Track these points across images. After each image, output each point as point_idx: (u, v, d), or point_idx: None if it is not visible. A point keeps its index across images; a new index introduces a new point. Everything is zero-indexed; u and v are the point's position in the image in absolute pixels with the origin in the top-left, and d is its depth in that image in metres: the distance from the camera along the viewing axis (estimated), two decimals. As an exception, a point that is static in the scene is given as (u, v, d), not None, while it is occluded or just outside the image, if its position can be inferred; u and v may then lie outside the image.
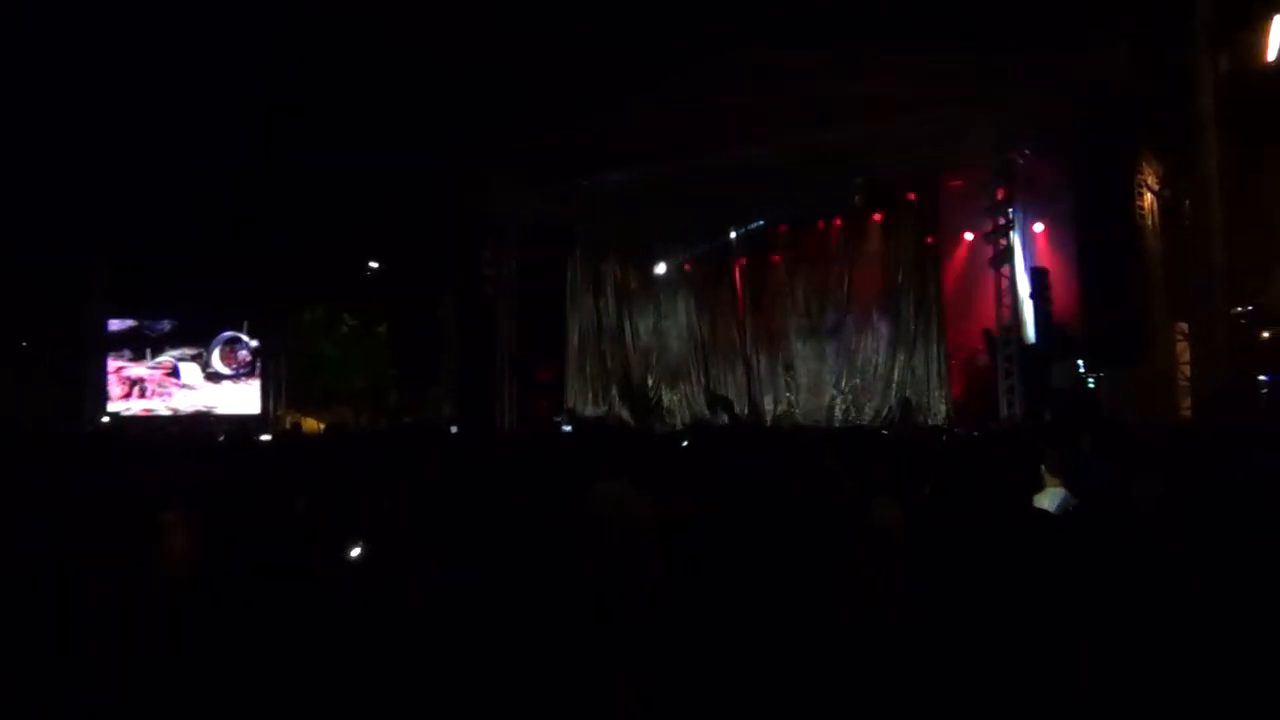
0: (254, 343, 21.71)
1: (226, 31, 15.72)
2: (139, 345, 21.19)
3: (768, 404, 18.69)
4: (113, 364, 20.93)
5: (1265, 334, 15.56)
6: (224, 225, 18.59)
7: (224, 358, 21.62)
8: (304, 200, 18.32)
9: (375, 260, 20.91)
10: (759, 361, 18.92)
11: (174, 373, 21.42)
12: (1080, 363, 13.86)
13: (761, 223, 18.73)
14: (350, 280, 21.26)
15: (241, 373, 21.66)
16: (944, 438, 10.35)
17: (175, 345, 21.53)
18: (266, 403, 20.95)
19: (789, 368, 18.64)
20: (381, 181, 17.53)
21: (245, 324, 21.60)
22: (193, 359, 21.52)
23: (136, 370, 21.08)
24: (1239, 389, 11.81)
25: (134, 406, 20.86)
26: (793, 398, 18.50)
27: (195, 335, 21.50)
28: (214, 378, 21.53)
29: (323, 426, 18.99)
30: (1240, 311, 15.62)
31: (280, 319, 21.54)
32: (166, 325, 21.38)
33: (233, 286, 20.02)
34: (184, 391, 21.37)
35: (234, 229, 18.61)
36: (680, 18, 15.22)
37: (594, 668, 2.93)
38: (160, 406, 21.11)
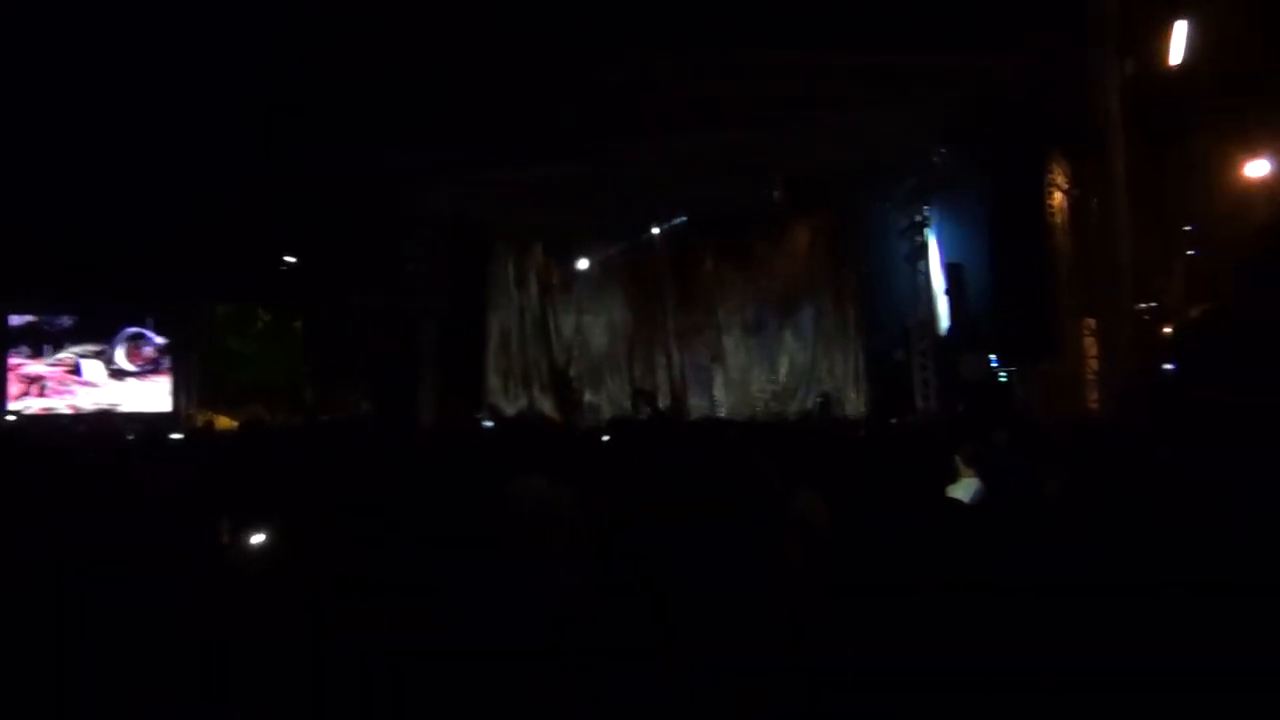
0: (160, 339, 20.94)
1: (141, 21, 15.26)
2: (37, 341, 20.34)
3: (692, 400, 18.79)
4: (10, 361, 20.10)
5: (1168, 330, 16.11)
6: (129, 218, 18.00)
7: (129, 354, 20.80)
8: (214, 193, 17.85)
9: (290, 255, 20.46)
10: (683, 358, 19.00)
11: (75, 370, 20.57)
12: (991, 356, 14.19)
13: (684, 219, 18.80)
14: (264, 275, 20.77)
15: (147, 369, 20.86)
16: (862, 431, 10.52)
17: (76, 341, 20.67)
18: (178, 401, 20.33)
19: (712, 364, 18.76)
20: (295, 175, 17.15)
21: (150, 320, 20.85)
22: (95, 355, 20.65)
23: (35, 368, 20.22)
24: (1144, 384, 12.18)
25: (33, 405, 19.99)
26: (717, 393, 18.62)
27: (98, 331, 20.67)
28: (118, 375, 20.71)
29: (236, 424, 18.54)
30: (1145, 308, 16.16)
31: (191, 315, 20.89)
32: (67, 321, 20.53)
33: (139, 281, 19.35)
34: (87, 389, 20.52)
35: (140, 222, 18.03)
36: (601, 12, 15.19)
37: (514, 665, 2.89)
38: (61, 405, 20.25)
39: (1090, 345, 14.69)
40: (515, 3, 14.96)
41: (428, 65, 15.58)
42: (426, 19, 15.10)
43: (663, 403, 18.69)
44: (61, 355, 20.58)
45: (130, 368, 20.77)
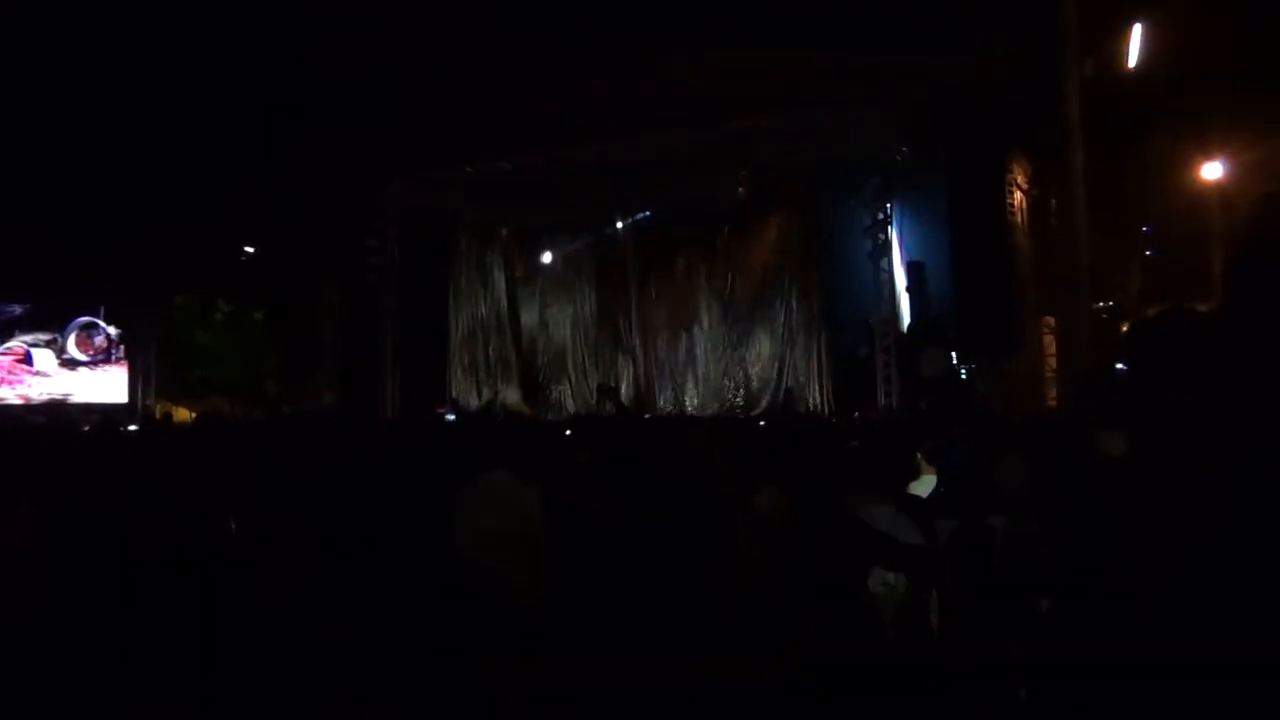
0: (111, 329, 20.41)
1: (108, 14, 15.09)
2: None
3: (656, 395, 18.83)
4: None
5: (1125, 328, 16.34)
6: (87, 205, 17.72)
7: (79, 344, 20.27)
8: (173, 183, 17.63)
9: (250, 245, 20.24)
10: (646, 353, 19.03)
11: (26, 359, 20.08)
12: (952, 353, 14.34)
13: (648, 214, 18.81)
14: (225, 265, 20.51)
15: (99, 359, 20.33)
16: (822, 426, 10.59)
17: (27, 330, 20.11)
18: (134, 392, 20.00)
19: (676, 359, 18.81)
20: (257, 165, 16.99)
21: (101, 309, 20.35)
22: (46, 345, 20.14)
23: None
24: (1100, 381, 12.36)
25: None
26: (680, 388, 18.67)
27: (48, 320, 20.16)
28: (70, 364, 20.22)
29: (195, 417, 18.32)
30: (1102, 307, 16.39)
31: (148, 304, 20.52)
32: (17, 309, 20.01)
33: (96, 270, 19.00)
34: (38, 379, 20.04)
35: (98, 210, 17.76)
36: (569, 10, 15.17)
37: (476, 661, 2.89)
38: (10, 395, 19.82)
39: (1049, 343, 14.89)
40: (476, 3, 14.92)
41: (393, 59, 15.50)
42: (395, 14, 15.03)
43: (626, 397, 18.72)
44: (11, 344, 20.10)
45: (82, 357, 20.29)
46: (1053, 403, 14.15)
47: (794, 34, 14.60)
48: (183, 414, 18.94)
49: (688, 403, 18.33)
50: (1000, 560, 3.35)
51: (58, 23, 15.23)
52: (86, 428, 10.03)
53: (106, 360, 20.34)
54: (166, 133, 17.04)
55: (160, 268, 19.15)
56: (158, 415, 17.65)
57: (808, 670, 2.34)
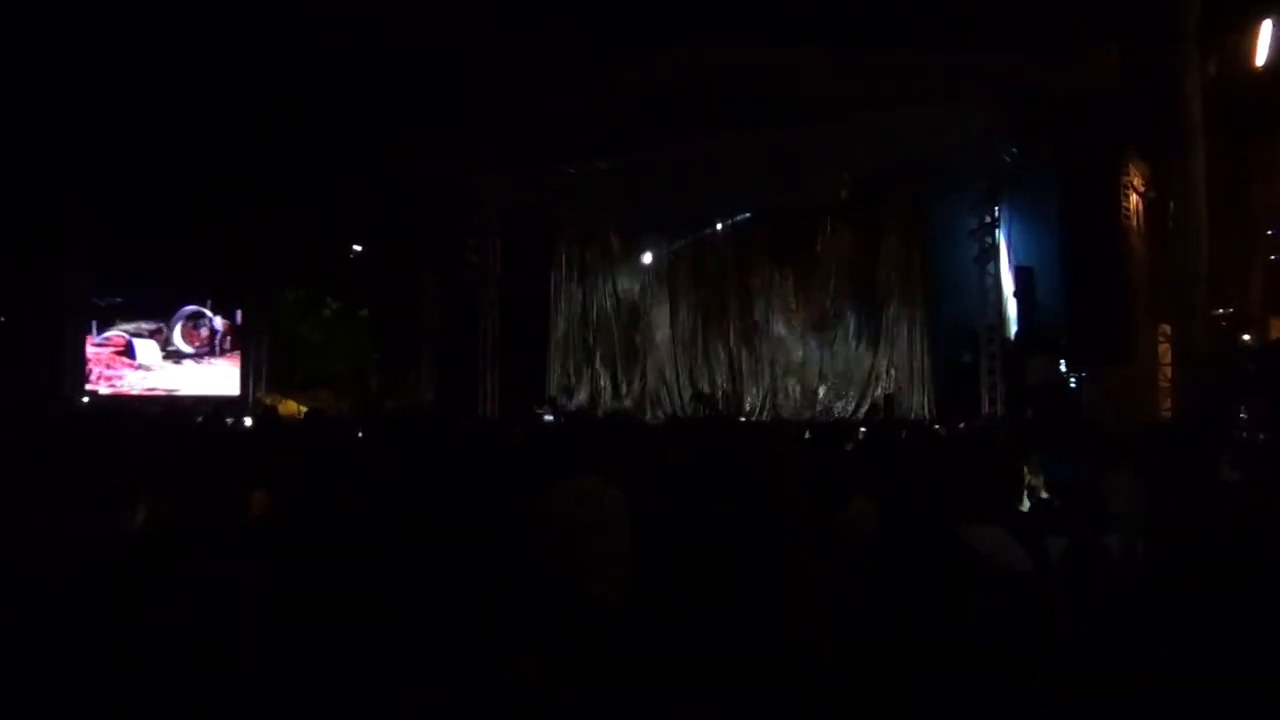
0: (218, 319, 19.99)
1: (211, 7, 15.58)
2: (84, 317, 19.31)
3: (751, 397, 18.68)
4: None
5: (1246, 336, 15.61)
6: (208, 202, 18.33)
7: (185, 334, 19.64)
8: (287, 180, 18.13)
9: (358, 244, 20.72)
10: (743, 354, 18.90)
11: (128, 350, 19.38)
12: (1061, 361, 13.90)
13: (747, 215, 18.67)
14: (333, 262, 21.05)
15: (204, 352, 19.79)
16: (925, 434, 10.34)
17: (128, 318, 19.31)
18: (246, 385, 20.60)
19: (773, 362, 18.63)
20: (365, 164, 17.37)
21: (208, 300, 19.90)
22: (150, 335, 19.43)
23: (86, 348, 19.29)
24: (1220, 393, 11.85)
25: (101, 388, 19.38)
26: (776, 392, 18.49)
27: (152, 309, 19.57)
28: (175, 356, 19.65)
29: (302, 410, 18.83)
30: (1222, 314, 15.67)
31: (261, 299, 21.11)
32: (119, 298, 19.50)
33: (215, 265, 19.59)
34: (138, 373, 19.33)
35: (218, 206, 18.37)
36: (672, 7, 15.15)
37: (567, 660, 2.88)
38: (104, 390, 19.16)
39: (1164, 351, 14.30)
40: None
41: (494, 60, 15.68)
42: (497, 14, 15.20)
43: (721, 400, 18.63)
44: (111, 333, 19.26)
45: (187, 349, 19.68)
46: (1167, 413, 13.60)
47: (901, 32, 14.32)
48: (290, 406, 19.52)
49: (784, 407, 18.13)
50: (1114, 582, 3.18)
51: (188, 20, 15.73)
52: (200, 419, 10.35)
53: (211, 353, 19.95)
54: (275, 132, 17.51)
55: (276, 263, 19.73)
56: (266, 406, 18.20)
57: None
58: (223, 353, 20.11)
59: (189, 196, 18.10)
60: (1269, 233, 18.19)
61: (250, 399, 19.98)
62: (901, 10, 13.91)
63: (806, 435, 8.08)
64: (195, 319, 19.86)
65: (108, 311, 19.36)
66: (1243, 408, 11.37)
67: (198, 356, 19.91)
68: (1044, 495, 4.67)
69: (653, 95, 15.04)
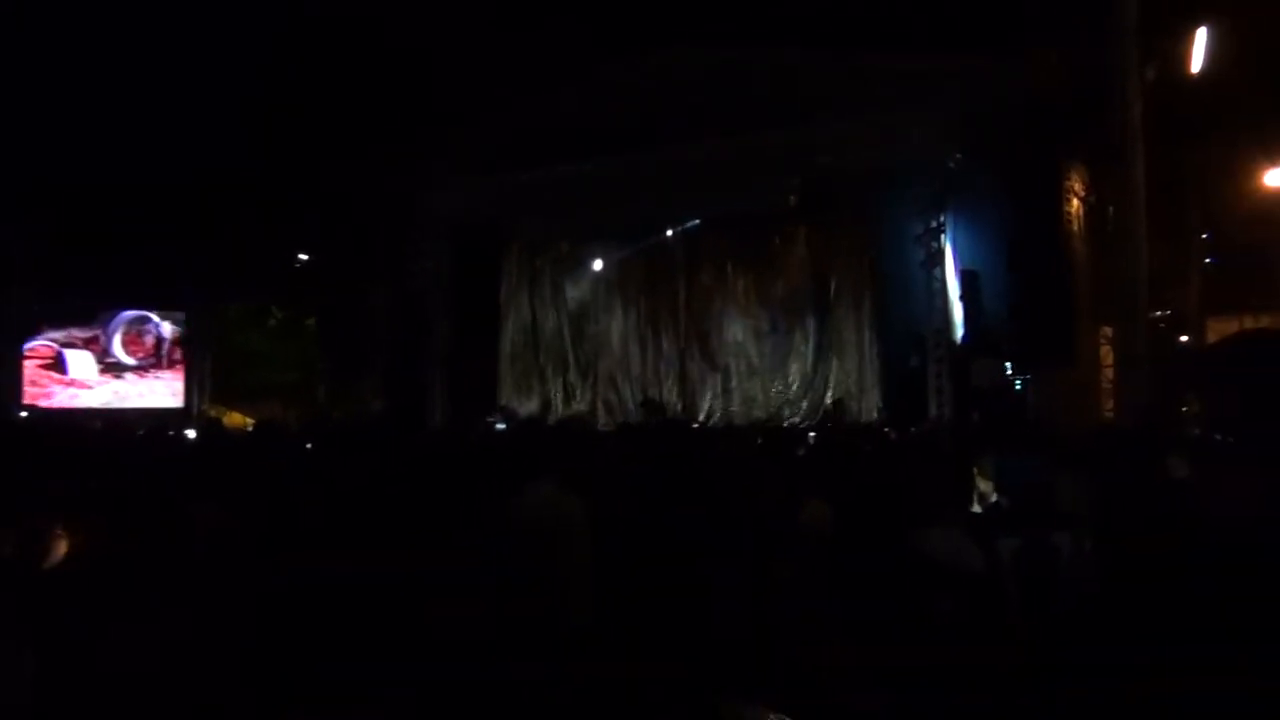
0: (166, 325, 18.04)
1: (165, 23, 15.38)
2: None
3: (703, 403, 18.73)
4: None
5: (1184, 338, 15.98)
6: (148, 216, 17.98)
7: (127, 343, 17.42)
8: (230, 191, 17.87)
9: (305, 253, 20.47)
10: (694, 361, 18.95)
11: (58, 363, 17.10)
12: (1006, 363, 14.11)
13: (698, 221, 18.74)
14: (279, 272, 20.77)
15: (147, 363, 17.61)
16: (874, 438, 10.44)
17: (60, 324, 16.79)
18: (190, 397, 20.15)
19: (725, 368, 18.70)
20: (310, 173, 17.18)
21: (154, 304, 18.12)
22: (85, 344, 17.10)
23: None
24: (1162, 393, 12.10)
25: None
26: (728, 398, 18.56)
27: (88, 313, 17.47)
28: (115, 369, 17.52)
29: (250, 422, 18.54)
30: (1160, 316, 16.02)
31: (206, 308, 20.67)
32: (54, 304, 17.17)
33: (157, 278, 19.09)
34: (69, 390, 16.91)
35: (159, 219, 18.03)
36: (617, 15, 15.17)
37: (529, 668, 2.85)
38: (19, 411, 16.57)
39: (1106, 353, 14.58)
40: (531, 5, 14.98)
41: (442, 68, 15.61)
42: (443, 22, 15.13)
43: (674, 406, 18.67)
44: (36, 343, 16.69)
45: (128, 360, 17.50)
46: (1109, 414, 13.86)
47: (845, 39, 14.49)
48: (235, 418, 19.20)
49: (737, 412, 18.21)
50: (1065, 580, 3.23)
51: (117, 26, 15.48)
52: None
53: (157, 364, 18.10)
54: (226, 144, 17.26)
55: (220, 274, 19.38)
56: (211, 418, 17.87)
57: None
58: (170, 364, 18.37)
59: (132, 201, 17.74)
60: (1204, 237, 18.66)
61: (195, 411, 19.61)
62: (847, 18, 14.07)
63: (759, 440, 8.11)
64: (139, 325, 17.90)
65: (35, 317, 17.22)
66: (1185, 407, 11.61)
67: (141, 369, 18.04)
68: (994, 497, 4.73)
69: (604, 104, 15.07)
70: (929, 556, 2.98)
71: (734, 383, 18.59)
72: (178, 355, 18.81)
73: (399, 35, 15.28)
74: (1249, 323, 16.32)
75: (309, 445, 7.19)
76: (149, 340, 17.93)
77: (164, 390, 18.28)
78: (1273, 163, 16.66)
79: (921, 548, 2.94)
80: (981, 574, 3.03)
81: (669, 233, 19.10)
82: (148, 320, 17.92)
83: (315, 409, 19.60)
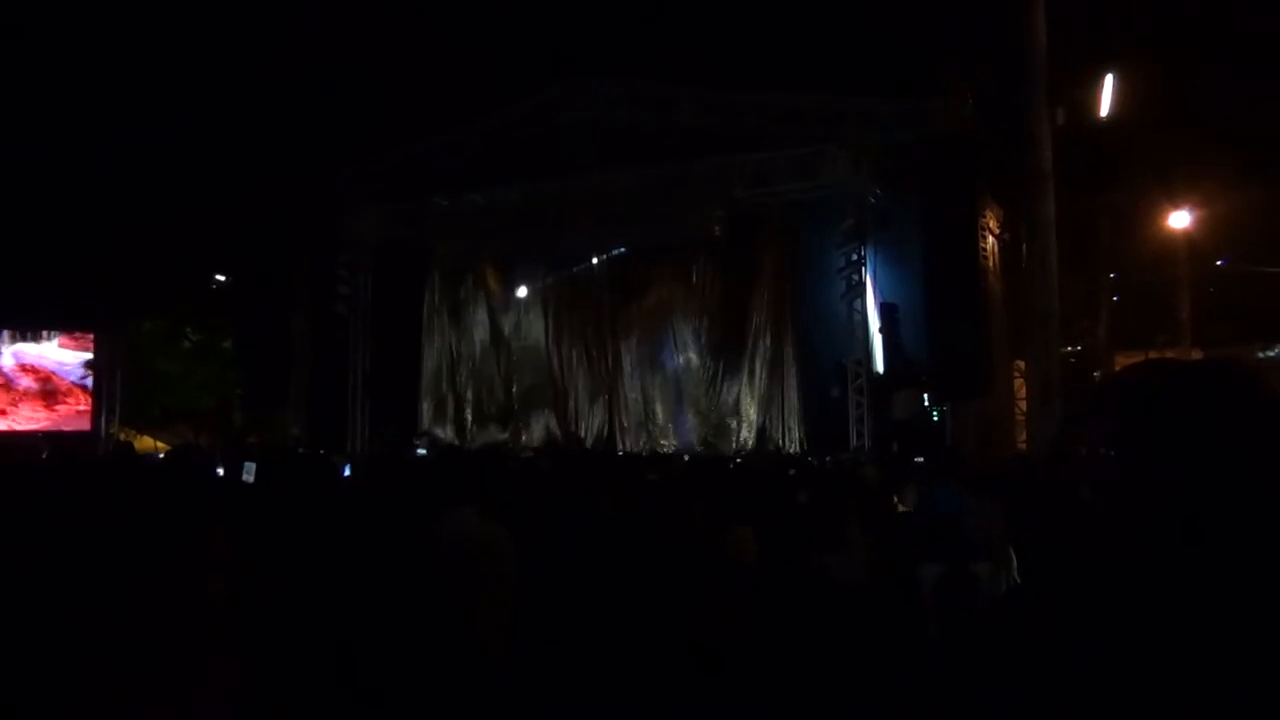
0: (7, 350, 17.67)
1: (85, 35, 15.04)
2: None
3: (627, 432, 18.73)
4: None
5: (1096, 374, 16.47)
6: (57, 229, 17.48)
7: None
8: (144, 209, 17.45)
9: (220, 273, 20.03)
10: (621, 389, 18.94)
11: None
12: (924, 395, 14.39)
13: (623, 249, 18.81)
14: (193, 293, 20.28)
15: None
16: (795, 468, 10.54)
17: None
18: (97, 420, 19.47)
19: (651, 395, 18.73)
20: (230, 193, 16.88)
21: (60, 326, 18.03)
22: None
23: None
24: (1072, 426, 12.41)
25: None
26: (651, 425, 18.58)
27: None
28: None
29: (160, 447, 17.99)
30: (1070, 350, 16.51)
31: (116, 329, 19.99)
32: None
33: (64, 295, 18.50)
34: None
35: (68, 234, 17.52)
36: (545, 44, 15.27)
37: (446, 692, 2.81)
38: None
39: (1019, 386, 14.97)
40: (459, 32, 14.98)
41: (369, 91, 15.52)
42: (369, 45, 15.06)
43: (597, 433, 18.65)
44: None
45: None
46: (1022, 446, 14.20)
47: (768, 75, 14.79)
48: (146, 443, 18.63)
49: (661, 440, 18.23)
50: (985, 605, 3.30)
51: (45, 43, 15.14)
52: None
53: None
54: (136, 155, 16.88)
55: (130, 293, 18.83)
56: (121, 441, 17.30)
57: None
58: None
59: (37, 215, 17.22)
60: (1112, 275, 19.34)
61: (104, 435, 18.96)
62: (770, 54, 14.37)
63: (684, 468, 8.14)
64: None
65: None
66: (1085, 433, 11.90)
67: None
68: (913, 523, 4.81)
69: (526, 130, 15.11)
70: (821, 577, 3.04)
71: (658, 410, 18.62)
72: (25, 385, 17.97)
73: (322, 59, 15.16)
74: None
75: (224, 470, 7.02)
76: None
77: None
78: (1175, 205, 17.38)
79: (812, 569, 3.00)
80: (869, 593, 3.09)
81: (594, 260, 19.13)
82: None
83: (230, 435, 19.11)
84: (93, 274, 18.01)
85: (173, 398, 21.36)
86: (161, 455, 11.79)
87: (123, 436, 18.54)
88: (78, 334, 18.24)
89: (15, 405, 17.63)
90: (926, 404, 14.45)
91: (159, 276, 18.80)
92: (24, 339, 17.86)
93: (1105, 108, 12.95)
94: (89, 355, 18.36)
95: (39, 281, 17.90)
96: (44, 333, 17.84)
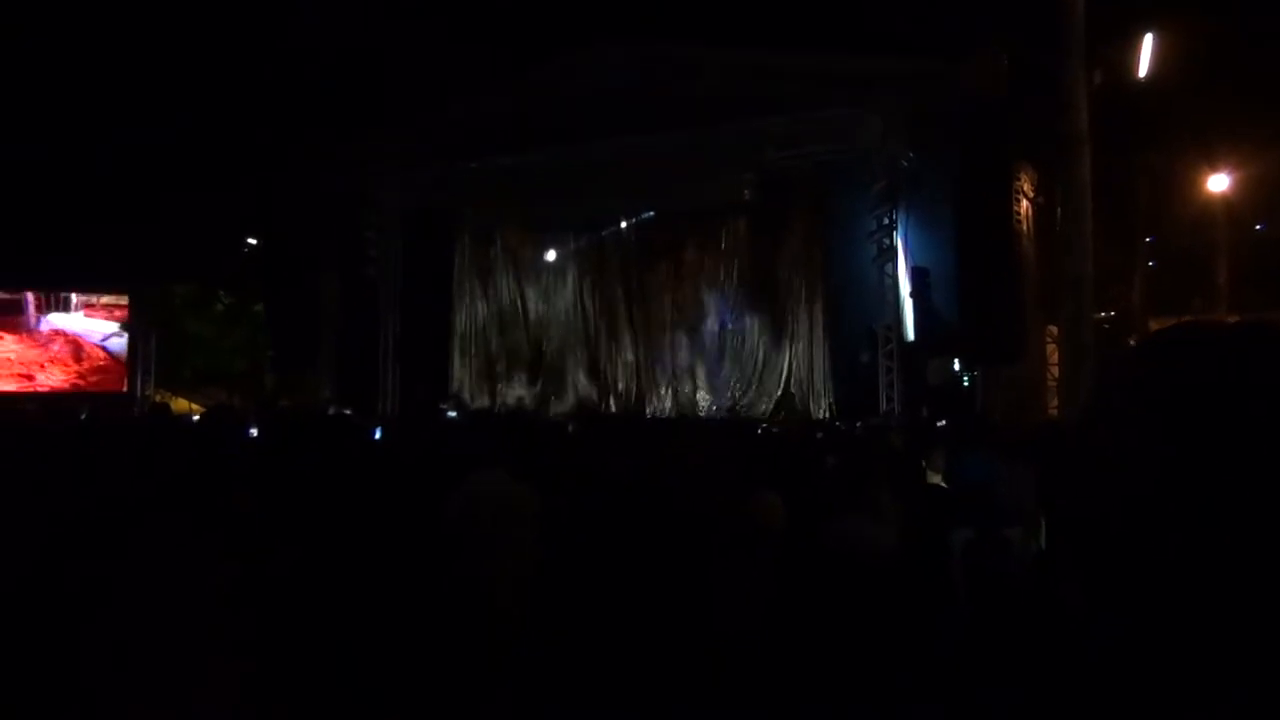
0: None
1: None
2: None
3: (655, 395, 18.75)
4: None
5: (1132, 340, 16.27)
6: (91, 192, 17.65)
7: None
8: (177, 173, 17.57)
9: (252, 237, 20.16)
10: (649, 353, 18.95)
11: None
12: (955, 360, 14.28)
13: (651, 214, 18.74)
14: (226, 256, 20.43)
15: None
16: (824, 433, 10.51)
17: None
18: (133, 382, 19.79)
19: (678, 360, 18.73)
20: (263, 158, 16.93)
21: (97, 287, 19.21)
22: None
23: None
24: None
25: None
26: (682, 390, 18.59)
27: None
28: None
29: (194, 409, 18.23)
30: (1104, 317, 16.32)
31: (151, 293, 20.25)
32: None
33: (100, 257, 18.77)
34: None
35: (102, 197, 17.69)
36: (575, 9, 15.14)
37: (472, 654, 2.84)
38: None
39: (1052, 352, 14.83)
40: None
41: (395, 54, 15.47)
42: (398, 8, 15.00)
43: (625, 397, 18.69)
44: None
45: None
46: (1054, 412, 14.09)
47: (801, 36, 14.59)
48: (180, 404, 18.88)
49: (690, 405, 18.24)
50: (1017, 571, 3.28)
51: (73, 17, 15.22)
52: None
53: None
54: (170, 121, 16.97)
55: (163, 256, 19.03)
56: (156, 403, 17.53)
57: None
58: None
59: (75, 179, 17.41)
60: (1148, 240, 19.05)
61: (139, 396, 19.24)
62: (802, 15, 14.16)
63: (713, 432, 8.14)
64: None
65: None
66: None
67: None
68: (943, 489, 4.78)
69: (556, 94, 15.01)
70: (850, 543, 3.03)
71: (686, 375, 18.63)
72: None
73: (352, 24, 15.13)
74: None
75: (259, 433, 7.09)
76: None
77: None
78: (1215, 169, 17.06)
79: (841, 535, 2.99)
80: (889, 560, 3.08)
81: (623, 224, 19.08)
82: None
83: (262, 397, 19.33)
84: (127, 237, 18.21)
85: (205, 360, 21.61)
86: (196, 417, 11.97)
87: (158, 398, 18.79)
88: (102, 304, 18.99)
89: (50, 364, 18.43)
90: (957, 369, 14.35)
91: (192, 240, 18.94)
92: (55, 309, 18.59)
93: (1144, 68, 12.69)
94: (110, 324, 19.04)
95: (76, 244, 18.14)
96: (72, 303, 18.59)
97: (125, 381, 19.62)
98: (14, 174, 17.00)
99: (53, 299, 18.55)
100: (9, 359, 17.94)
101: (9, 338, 18.06)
